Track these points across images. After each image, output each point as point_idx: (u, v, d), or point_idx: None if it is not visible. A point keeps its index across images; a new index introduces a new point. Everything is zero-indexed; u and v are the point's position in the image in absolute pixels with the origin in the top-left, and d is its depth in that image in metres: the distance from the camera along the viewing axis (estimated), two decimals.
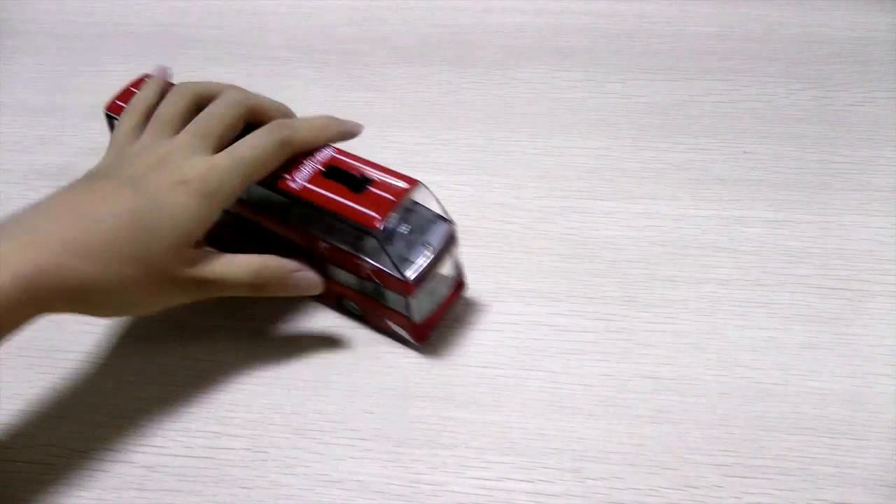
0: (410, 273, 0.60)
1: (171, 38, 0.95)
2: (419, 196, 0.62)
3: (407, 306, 0.62)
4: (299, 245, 0.63)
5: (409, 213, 0.62)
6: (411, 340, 0.65)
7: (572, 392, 0.63)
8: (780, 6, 0.92)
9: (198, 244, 0.58)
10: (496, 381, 0.64)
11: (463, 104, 0.85)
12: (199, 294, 0.59)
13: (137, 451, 0.61)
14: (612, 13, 0.93)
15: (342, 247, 0.61)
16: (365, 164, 0.63)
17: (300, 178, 0.60)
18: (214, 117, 0.61)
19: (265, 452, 0.61)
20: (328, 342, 0.66)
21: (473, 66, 0.89)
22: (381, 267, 0.60)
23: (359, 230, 0.59)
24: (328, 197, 0.60)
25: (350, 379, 0.64)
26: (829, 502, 0.56)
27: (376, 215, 0.59)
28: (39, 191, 0.79)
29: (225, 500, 0.59)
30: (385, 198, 0.60)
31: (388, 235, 0.60)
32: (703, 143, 0.79)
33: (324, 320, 0.68)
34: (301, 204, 0.60)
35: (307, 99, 0.86)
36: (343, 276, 0.63)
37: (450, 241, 0.63)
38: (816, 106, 0.82)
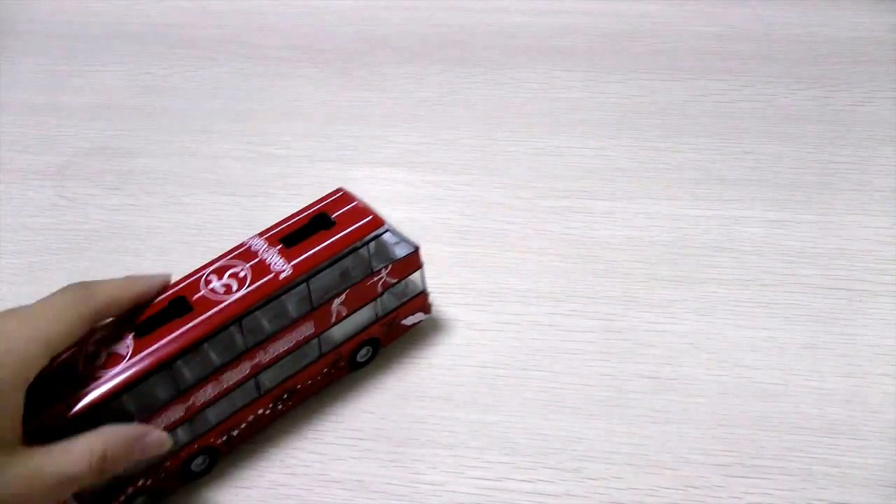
0: (413, 241, 0.61)
1: (171, 38, 0.95)
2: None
3: (422, 278, 0.63)
4: (307, 337, 0.58)
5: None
6: (425, 317, 0.65)
7: (572, 392, 0.63)
8: (780, 6, 0.92)
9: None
10: (496, 381, 0.64)
11: (463, 104, 0.85)
12: None
13: None
14: (612, 13, 0.93)
15: (354, 283, 0.59)
16: (296, 215, 0.60)
17: (279, 267, 0.56)
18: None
19: (265, 452, 0.61)
20: None
21: (473, 66, 0.89)
22: (396, 258, 0.60)
23: (346, 253, 0.57)
24: (327, 246, 0.57)
25: (350, 379, 0.64)
26: (829, 502, 0.56)
27: (372, 217, 0.59)
28: (39, 191, 0.80)
29: (225, 500, 0.59)
30: (355, 208, 0.59)
31: (389, 228, 0.60)
32: (703, 143, 0.79)
33: None
34: (299, 284, 0.56)
35: (307, 99, 0.86)
36: (354, 321, 0.60)
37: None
38: (816, 106, 0.82)
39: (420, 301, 0.64)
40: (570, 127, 0.82)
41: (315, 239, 0.57)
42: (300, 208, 0.60)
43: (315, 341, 0.59)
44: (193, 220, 0.75)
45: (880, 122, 0.80)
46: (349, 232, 0.58)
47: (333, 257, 0.57)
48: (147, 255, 0.73)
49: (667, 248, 0.71)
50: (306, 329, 0.58)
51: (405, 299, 0.63)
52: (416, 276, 0.62)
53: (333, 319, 0.59)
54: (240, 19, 0.96)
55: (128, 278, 0.54)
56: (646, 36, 0.90)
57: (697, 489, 0.57)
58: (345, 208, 0.59)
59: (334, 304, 0.58)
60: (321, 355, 0.60)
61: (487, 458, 0.60)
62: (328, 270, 0.57)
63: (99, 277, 0.71)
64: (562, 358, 0.64)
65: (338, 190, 0.61)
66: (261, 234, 0.58)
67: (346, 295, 0.58)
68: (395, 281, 0.61)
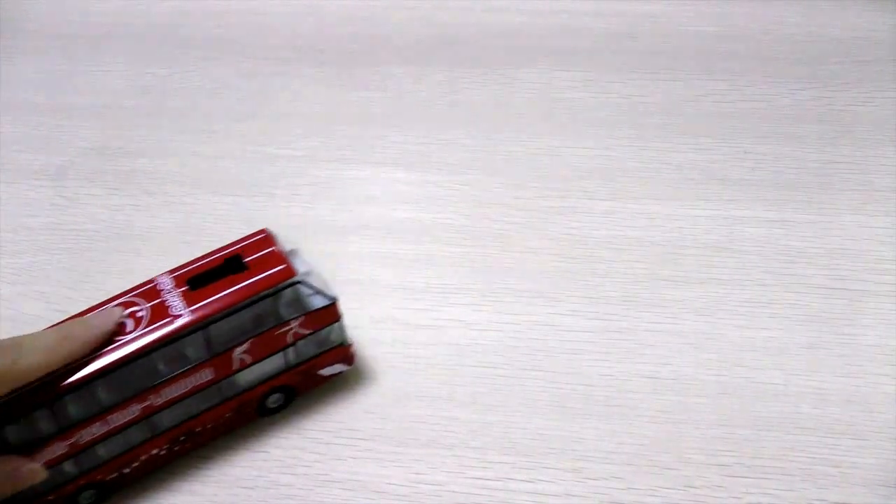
0: (331, 293, 0.59)
1: (171, 38, 0.95)
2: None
3: (340, 329, 0.61)
4: (205, 382, 0.57)
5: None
6: (347, 368, 0.63)
7: (572, 392, 0.63)
8: (780, 6, 0.92)
9: None
10: (496, 381, 0.64)
11: (463, 104, 0.85)
12: None
13: None
14: (613, 13, 0.93)
15: (260, 333, 0.57)
16: (207, 257, 0.58)
17: (178, 311, 0.55)
18: None
19: (265, 452, 0.61)
20: None
21: (473, 66, 0.89)
22: (310, 310, 0.58)
23: (260, 299, 0.56)
24: (229, 294, 0.55)
25: (350, 379, 0.64)
26: (828, 502, 0.56)
27: (284, 267, 0.57)
28: (39, 191, 0.80)
29: (225, 500, 0.59)
30: (272, 254, 0.58)
31: (300, 280, 0.58)
32: (703, 143, 0.79)
33: None
34: (195, 331, 0.55)
35: (307, 99, 0.86)
36: (261, 368, 0.59)
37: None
38: (816, 106, 0.82)
39: (341, 352, 0.62)
40: (570, 127, 0.82)
41: (221, 284, 0.56)
42: (219, 246, 0.58)
43: (216, 386, 0.58)
44: (193, 220, 0.76)
45: (880, 122, 0.80)
46: (256, 280, 0.56)
47: (235, 306, 0.55)
48: (147, 255, 0.73)
49: (667, 248, 0.71)
50: (204, 375, 0.57)
51: (324, 349, 0.61)
52: (338, 326, 0.61)
53: (236, 367, 0.58)
54: (240, 19, 0.96)
55: (63, 338, 0.52)
56: (646, 36, 0.90)
57: (697, 489, 0.57)
58: (261, 253, 0.58)
59: (236, 352, 0.57)
60: (223, 400, 0.59)
61: (487, 458, 0.60)
62: (233, 317, 0.55)
63: (99, 277, 0.72)
64: (562, 358, 0.64)
65: (261, 231, 0.60)
66: (171, 272, 0.57)
67: (251, 344, 0.57)
68: (307, 332, 0.59)
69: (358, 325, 0.67)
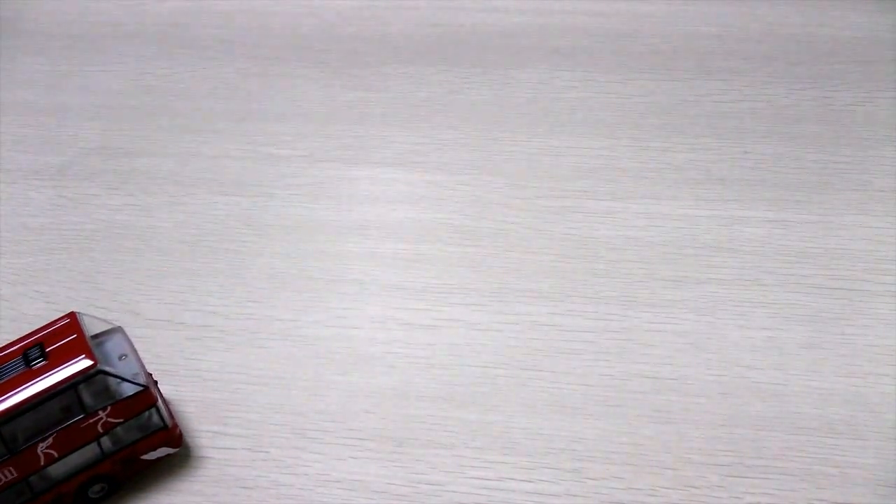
0: (141, 380, 0.57)
1: (171, 38, 0.95)
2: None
3: (159, 414, 0.59)
4: (10, 481, 0.55)
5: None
6: (173, 451, 0.61)
7: (572, 392, 0.63)
8: (780, 6, 0.92)
9: None
10: (496, 381, 0.64)
11: (463, 104, 0.85)
12: None
13: None
14: (613, 13, 0.93)
15: (65, 427, 0.55)
16: (8, 347, 0.56)
17: None
18: None
19: (265, 452, 0.61)
20: (328, 341, 0.66)
21: (473, 66, 0.89)
22: (118, 399, 0.56)
23: (65, 390, 0.54)
24: (24, 390, 0.53)
25: (350, 379, 0.64)
26: (829, 502, 0.56)
27: (83, 357, 0.55)
28: (39, 191, 0.80)
29: (225, 500, 0.59)
30: (74, 342, 0.55)
31: (101, 370, 0.56)
32: (703, 143, 0.79)
33: (321, 321, 0.68)
34: None
35: (307, 99, 0.86)
36: (74, 460, 0.57)
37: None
38: (816, 106, 0.82)
39: (163, 436, 0.59)
40: (570, 127, 0.82)
41: (17, 380, 0.54)
42: (23, 334, 0.56)
43: (24, 483, 0.56)
44: (193, 220, 0.76)
45: (880, 122, 0.80)
46: (52, 375, 0.54)
47: (31, 404, 0.53)
48: (147, 255, 0.73)
49: (667, 248, 0.71)
50: (7, 473, 0.55)
51: (145, 434, 0.59)
52: (155, 410, 0.58)
53: (42, 462, 0.55)
54: (240, 19, 0.96)
55: None
56: (646, 36, 0.90)
57: (697, 489, 0.57)
58: (64, 340, 0.56)
59: (40, 448, 0.55)
60: (36, 495, 0.57)
61: (487, 458, 0.60)
62: (32, 413, 0.54)
63: (99, 277, 0.72)
64: (562, 358, 0.64)
65: (69, 315, 0.57)
66: None
67: (55, 438, 0.55)
68: (119, 421, 0.57)
69: (358, 325, 0.67)
